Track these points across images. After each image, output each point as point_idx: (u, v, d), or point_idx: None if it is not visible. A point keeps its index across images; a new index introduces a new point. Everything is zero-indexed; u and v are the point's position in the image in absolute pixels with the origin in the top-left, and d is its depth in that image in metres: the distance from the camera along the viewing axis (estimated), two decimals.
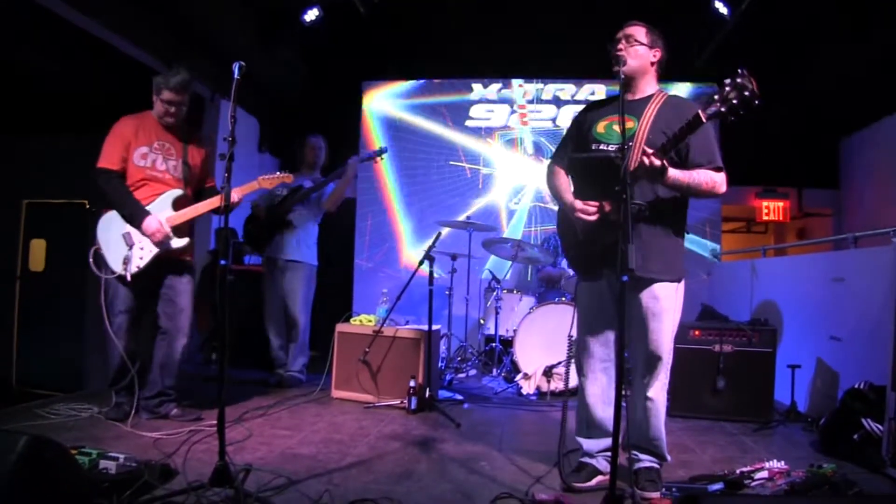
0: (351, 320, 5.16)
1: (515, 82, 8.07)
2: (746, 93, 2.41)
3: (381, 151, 5.51)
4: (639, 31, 2.98)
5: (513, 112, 8.03)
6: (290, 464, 3.26)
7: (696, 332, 4.62)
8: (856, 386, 3.79)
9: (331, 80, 8.33)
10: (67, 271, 5.77)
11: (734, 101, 2.43)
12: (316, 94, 8.30)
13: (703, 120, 2.53)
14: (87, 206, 5.69)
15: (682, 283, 3.01)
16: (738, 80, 2.41)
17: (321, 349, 5.58)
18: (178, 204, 4.00)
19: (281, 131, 8.18)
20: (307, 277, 5.45)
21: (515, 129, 8.01)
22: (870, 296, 4.16)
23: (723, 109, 2.46)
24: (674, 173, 2.71)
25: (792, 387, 4.53)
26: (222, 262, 2.82)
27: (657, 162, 2.62)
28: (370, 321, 5.08)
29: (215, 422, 2.80)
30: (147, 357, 4.12)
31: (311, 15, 6.60)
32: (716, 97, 2.47)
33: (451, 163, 8.02)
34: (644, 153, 2.64)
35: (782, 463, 2.99)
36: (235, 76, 2.92)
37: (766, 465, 2.98)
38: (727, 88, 2.44)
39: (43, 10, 4.84)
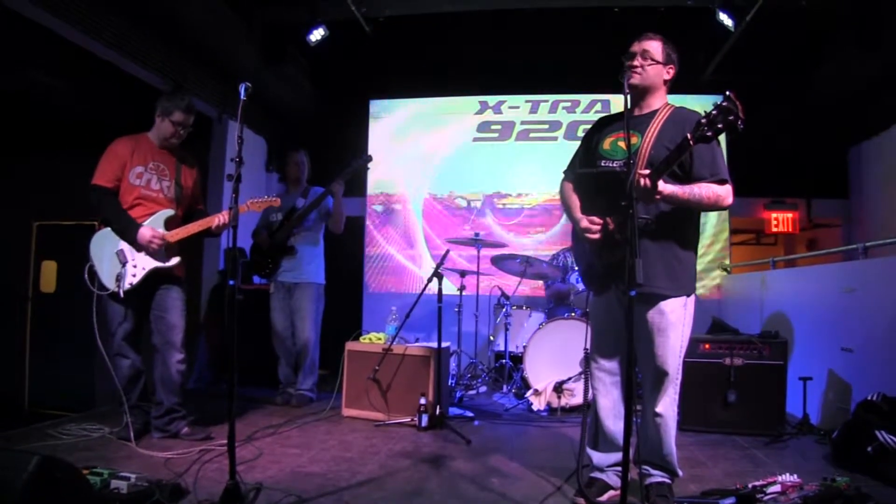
0: (360, 338, 5.16)
1: (521, 97, 8.10)
2: (731, 117, 2.42)
3: (367, 160, 5.49)
4: (655, 48, 2.97)
5: (519, 127, 8.05)
6: (300, 482, 3.26)
7: (707, 346, 4.60)
8: (869, 397, 3.78)
9: (338, 98, 8.39)
10: (78, 293, 5.80)
11: (719, 126, 2.45)
12: (323, 112, 8.37)
13: (691, 143, 2.54)
14: (98, 228, 5.74)
15: (693, 297, 2.99)
16: (724, 103, 2.43)
17: (331, 367, 5.58)
18: (169, 224, 4.06)
19: (288, 150, 8.29)
20: (315, 296, 5.46)
21: (522, 144, 8.02)
22: (881, 306, 4.15)
23: (709, 133, 2.48)
24: (671, 190, 2.71)
25: (804, 399, 4.50)
26: (231, 282, 2.84)
27: (649, 184, 2.62)
28: (380, 339, 5.08)
29: (225, 441, 2.81)
30: (149, 375, 4.18)
31: (317, 34, 6.65)
32: (702, 121, 2.49)
33: (456, 195, 8.05)
34: (640, 174, 2.63)
35: (795, 476, 2.98)
36: (242, 97, 2.96)
37: (779, 478, 2.97)
38: (714, 112, 2.46)
39: (50, 34, 4.91)
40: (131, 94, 5.98)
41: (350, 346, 5.09)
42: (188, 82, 6.32)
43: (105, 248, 3.98)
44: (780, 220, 8.16)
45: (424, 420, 4.55)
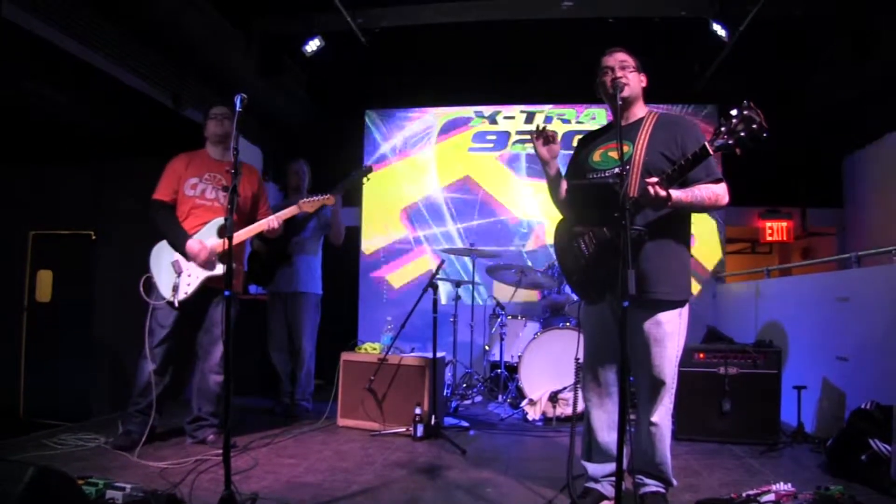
0: (356, 348, 5.17)
1: (516, 108, 8.13)
2: (754, 125, 2.40)
3: (366, 172, 5.43)
4: (630, 58, 3.01)
5: (515, 139, 8.08)
6: (295, 492, 3.26)
7: (701, 355, 4.61)
8: (862, 406, 3.79)
9: (333, 108, 8.41)
10: (74, 302, 5.80)
11: (742, 134, 2.43)
12: (319, 122, 8.39)
13: (711, 152, 2.54)
14: (93, 238, 5.74)
15: (687, 306, 2.99)
16: (745, 112, 2.40)
17: (326, 378, 5.58)
18: (223, 231, 4.10)
19: (285, 160, 8.29)
20: (312, 306, 5.46)
21: (517, 155, 8.05)
22: (875, 315, 4.17)
23: (730, 142, 2.46)
24: (677, 196, 2.70)
25: (798, 408, 4.51)
26: (227, 292, 2.85)
27: (663, 193, 2.61)
28: (375, 349, 5.09)
29: (221, 450, 2.81)
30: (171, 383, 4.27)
31: (313, 45, 6.68)
32: (722, 129, 2.47)
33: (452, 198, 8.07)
34: (648, 183, 2.63)
35: (789, 485, 2.98)
36: (238, 108, 2.97)
37: (774, 487, 2.97)
38: (734, 121, 2.43)
39: (48, 45, 4.91)
40: (129, 105, 5.98)
41: (346, 356, 5.09)
42: (185, 93, 6.32)
43: (162, 259, 4.14)
44: (775, 229, 8.20)
45: (420, 430, 4.55)
